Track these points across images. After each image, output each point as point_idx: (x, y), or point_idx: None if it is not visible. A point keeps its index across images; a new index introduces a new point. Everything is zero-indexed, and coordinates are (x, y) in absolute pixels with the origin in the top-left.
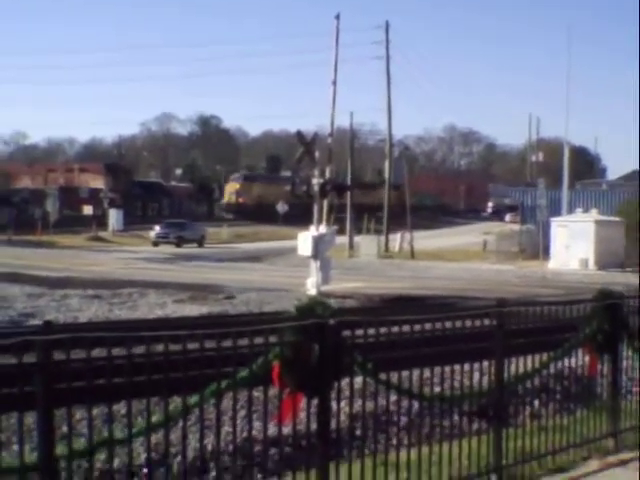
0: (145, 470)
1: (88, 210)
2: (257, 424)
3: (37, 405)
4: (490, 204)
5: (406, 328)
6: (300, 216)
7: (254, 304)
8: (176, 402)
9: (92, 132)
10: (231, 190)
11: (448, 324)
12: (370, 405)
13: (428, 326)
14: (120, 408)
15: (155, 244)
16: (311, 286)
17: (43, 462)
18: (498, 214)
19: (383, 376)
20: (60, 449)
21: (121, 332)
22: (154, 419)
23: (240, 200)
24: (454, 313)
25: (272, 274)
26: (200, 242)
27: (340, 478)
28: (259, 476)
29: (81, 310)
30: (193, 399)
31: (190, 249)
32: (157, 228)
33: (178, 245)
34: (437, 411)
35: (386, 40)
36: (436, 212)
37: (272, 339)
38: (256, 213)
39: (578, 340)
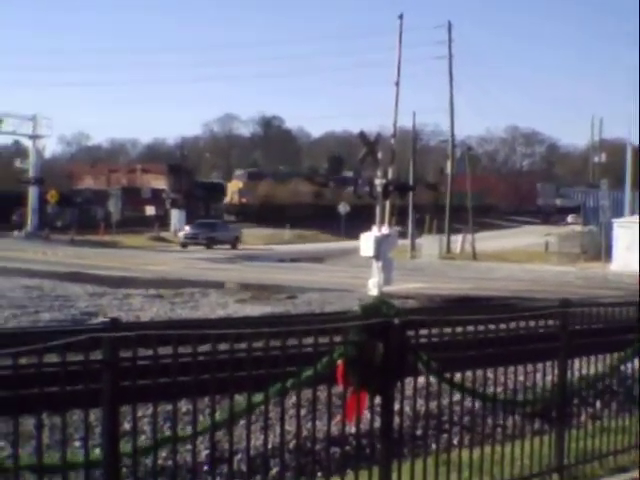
0: (206, 467)
1: (150, 210)
2: (319, 423)
3: (103, 402)
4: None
5: (470, 328)
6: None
7: (316, 304)
8: (238, 400)
9: (155, 133)
10: (233, 189)
11: (512, 325)
12: (432, 405)
13: (491, 327)
14: (181, 406)
15: (184, 245)
16: (373, 287)
17: (107, 459)
18: (547, 216)
19: (446, 375)
20: (122, 446)
21: (186, 331)
22: (217, 417)
23: (243, 200)
24: (518, 314)
25: (334, 274)
26: (233, 244)
27: (402, 477)
28: (319, 474)
29: (143, 309)
30: (257, 397)
31: (249, 250)
32: (187, 228)
33: (208, 247)
34: (499, 411)
35: (449, 40)
36: (479, 213)
37: (336, 338)
38: (262, 215)
39: None
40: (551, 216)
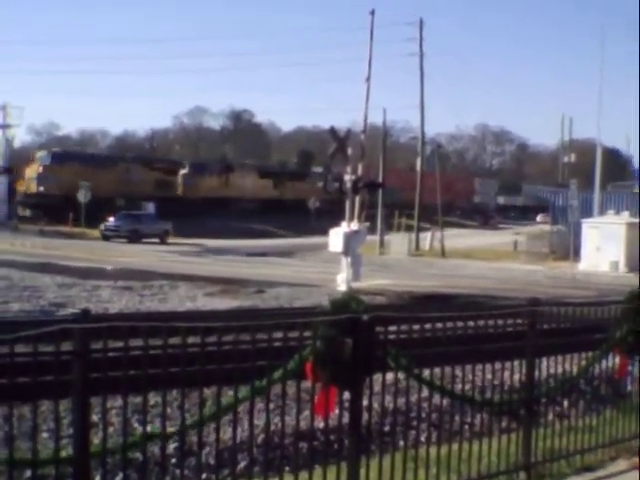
0: (174, 460)
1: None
2: (287, 418)
3: (73, 393)
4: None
5: (438, 326)
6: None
7: (284, 299)
8: (207, 394)
9: (125, 124)
10: (31, 175)
11: (480, 322)
12: (400, 401)
13: (460, 324)
14: (149, 398)
15: (105, 238)
16: (341, 282)
17: (78, 449)
18: (486, 217)
19: (415, 372)
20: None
21: (156, 323)
22: (189, 412)
23: (40, 189)
24: (486, 312)
25: (302, 269)
26: (162, 238)
27: (370, 472)
28: (287, 469)
29: (112, 301)
30: (228, 400)
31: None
32: (111, 220)
33: (131, 240)
34: (467, 409)
35: (420, 37)
36: (397, 210)
37: (306, 333)
38: (66, 208)
39: (612, 342)
40: (490, 217)
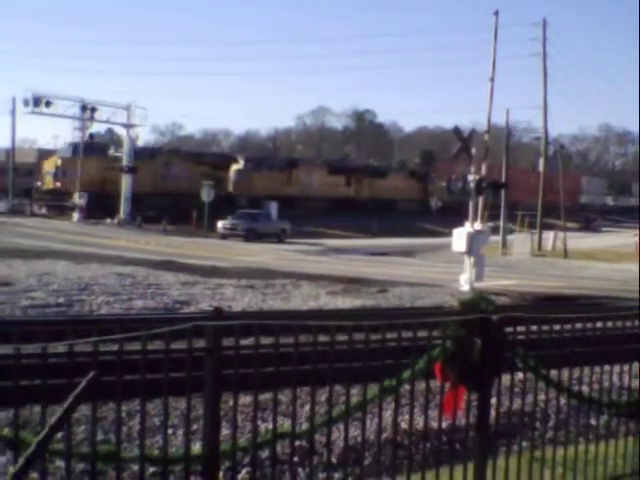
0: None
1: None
2: (414, 416)
3: (205, 390)
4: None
5: (566, 327)
6: None
7: (407, 298)
8: (337, 392)
9: (247, 124)
10: (48, 169)
11: (608, 324)
12: (525, 401)
13: (588, 325)
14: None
15: (223, 237)
16: (464, 282)
17: (208, 447)
18: (588, 220)
19: (543, 372)
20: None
21: (286, 321)
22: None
23: (57, 185)
24: (614, 313)
25: (423, 269)
26: (279, 237)
27: (497, 472)
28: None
29: (235, 299)
30: (356, 398)
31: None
32: (228, 218)
33: (247, 239)
34: (593, 410)
35: (543, 37)
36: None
37: (435, 332)
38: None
39: None
40: (592, 220)
